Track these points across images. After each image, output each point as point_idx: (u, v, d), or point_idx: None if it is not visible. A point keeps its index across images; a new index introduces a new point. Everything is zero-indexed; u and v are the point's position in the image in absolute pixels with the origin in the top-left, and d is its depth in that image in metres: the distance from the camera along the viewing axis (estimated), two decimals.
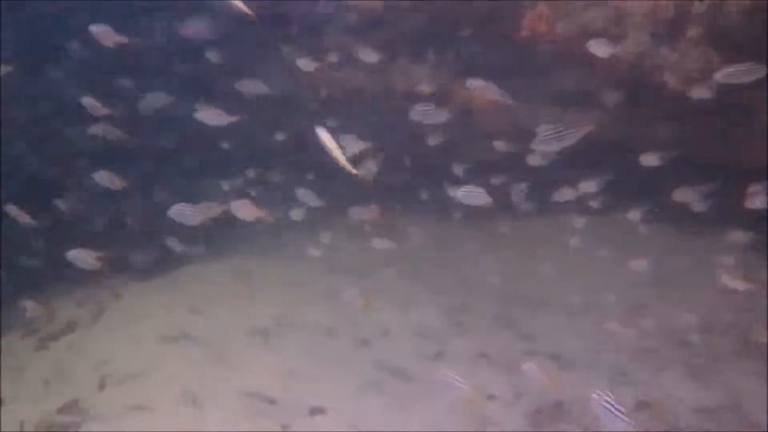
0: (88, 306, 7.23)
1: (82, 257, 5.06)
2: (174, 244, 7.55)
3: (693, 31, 5.23)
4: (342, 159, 4.10)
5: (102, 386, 5.81)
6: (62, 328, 6.83)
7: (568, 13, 5.92)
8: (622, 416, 3.53)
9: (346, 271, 7.70)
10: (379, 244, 7.14)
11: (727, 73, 4.66)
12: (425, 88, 7.28)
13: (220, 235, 8.27)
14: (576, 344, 6.17)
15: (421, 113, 5.09)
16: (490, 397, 5.42)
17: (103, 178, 5.69)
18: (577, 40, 5.74)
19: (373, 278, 7.46)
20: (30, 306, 6.15)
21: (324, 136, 4.09)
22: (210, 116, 5.37)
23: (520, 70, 6.88)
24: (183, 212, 5.05)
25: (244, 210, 5.27)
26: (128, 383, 5.80)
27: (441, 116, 5.08)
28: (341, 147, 4.11)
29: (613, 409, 3.55)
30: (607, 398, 3.58)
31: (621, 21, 5.62)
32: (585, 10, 5.74)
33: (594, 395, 3.63)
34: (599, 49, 5.09)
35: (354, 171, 4.23)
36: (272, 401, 5.44)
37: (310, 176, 8.19)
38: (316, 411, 5.30)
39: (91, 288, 7.50)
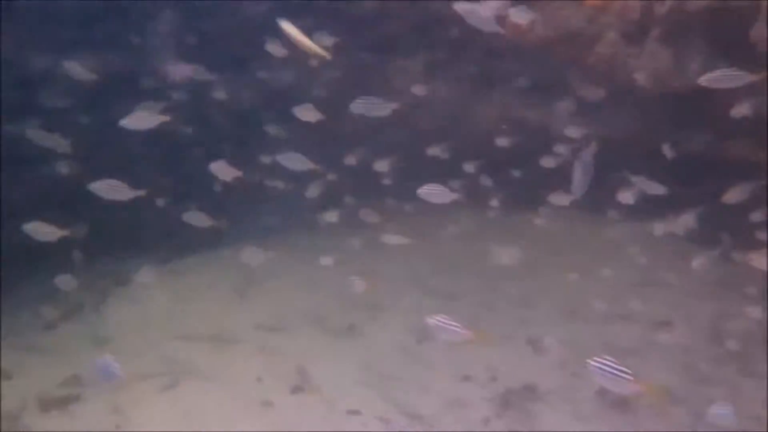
0: (95, 290, 7.54)
1: (40, 230, 5.10)
2: (182, 234, 7.77)
3: (657, 31, 5.38)
4: (310, 43, 4.05)
5: None
6: (70, 309, 7.17)
7: (547, 14, 6.08)
8: (627, 376, 3.31)
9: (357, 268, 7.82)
10: (392, 239, 7.23)
11: (711, 78, 4.52)
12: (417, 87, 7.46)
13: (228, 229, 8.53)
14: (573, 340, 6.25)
15: (364, 106, 4.77)
16: (466, 378, 5.68)
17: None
18: (557, 40, 5.94)
19: (380, 276, 7.43)
20: (65, 280, 6.39)
21: (287, 26, 4.00)
22: (137, 121, 5.09)
23: (508, 71, 7.11)
24: (109, 188, 4.83)
25: (222, 170, 5.48)
26: (128, 362, 6.11)
27: (385, 109, 4.75)
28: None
29: (615, 371, 3.33)
30: (607, 361, 3.36)
31: (595, 20, 5.77)
32: (561, 10, 5.93)
33: (591, 361, 3.39)
34: (519, 16, 5.09)
35: (324, 53, 4.19)
36: (259, 379, 5.75)
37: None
38: (297, 389, 5.59)
39: (99, 273, 7.85)
